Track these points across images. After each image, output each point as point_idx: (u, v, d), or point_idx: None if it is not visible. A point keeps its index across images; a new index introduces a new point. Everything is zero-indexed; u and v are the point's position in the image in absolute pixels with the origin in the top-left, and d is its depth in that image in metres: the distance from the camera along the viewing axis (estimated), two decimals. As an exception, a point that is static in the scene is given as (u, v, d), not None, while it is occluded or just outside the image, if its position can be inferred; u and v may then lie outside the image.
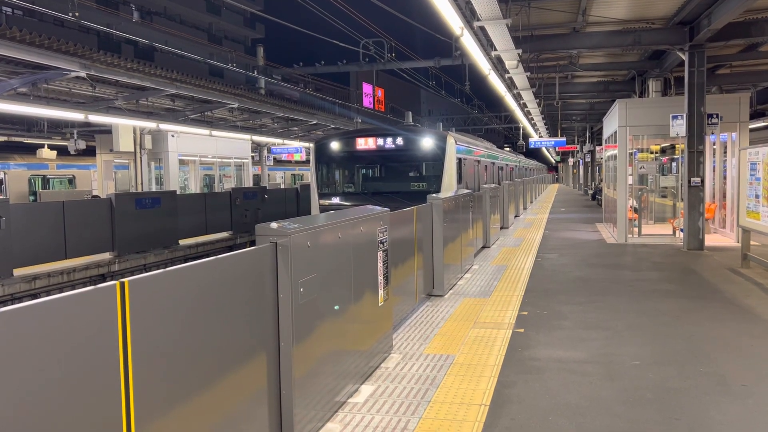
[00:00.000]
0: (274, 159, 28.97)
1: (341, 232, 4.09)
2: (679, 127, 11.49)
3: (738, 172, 9.97)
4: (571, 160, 53.95)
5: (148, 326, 2.40)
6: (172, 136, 19.32)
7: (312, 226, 3.68)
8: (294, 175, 36.33)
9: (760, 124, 23.09)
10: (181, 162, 20.67)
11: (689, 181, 11.41)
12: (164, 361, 2.49)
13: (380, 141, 13.00)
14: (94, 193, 21.99)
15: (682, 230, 11.86)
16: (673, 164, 16.95)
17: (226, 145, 22.56)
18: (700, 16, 10.69)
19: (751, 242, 9.57)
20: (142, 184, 18.74)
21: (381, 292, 4.92)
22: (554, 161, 78.73)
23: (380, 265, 4.91)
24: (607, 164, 16.94)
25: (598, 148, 31.29)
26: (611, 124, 14.68)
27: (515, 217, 19.43)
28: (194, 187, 21.80)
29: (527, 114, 21.16)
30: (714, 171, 14.00)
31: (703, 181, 11.45)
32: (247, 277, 3.13)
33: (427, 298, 7.46)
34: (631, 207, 13.11)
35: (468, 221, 9.59)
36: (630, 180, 13.15)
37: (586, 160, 38.42)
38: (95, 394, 2.15)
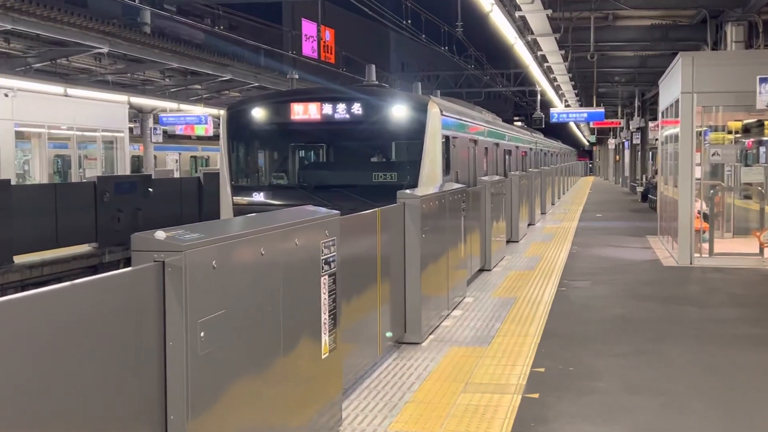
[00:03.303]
0: (165, 132, 28.67)
1: (265, 247, 4.07)
2: (770, 95, 11.78)
3: None
4: (611, 142, 54.89)
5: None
6: (6, 95, 18.93)
7: (220, 236, 3.65)
8: (195, 157, 36.06)
9: None
10: (19, 135, 20.25)
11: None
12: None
13: (328, 108, 12.97)
14: None
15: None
16: (762, 150, 17.40)
17: (89, 110, 22.20)
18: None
19: None
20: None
21: (325, 337, 4.91)
22: (588, 143, 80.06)
23: (324, 297, 4.90)
24: (665, 149, 17.27)
25: (651, 124, 31.90)
26: (671, 89, 14.98)
27: (529, 225, 19.64)
28: (39, 175, 21.42)
29: (548, 73, 21.44)
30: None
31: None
32: (116, 317, 3.08)
33: (396, 347, 7.46)
34: (698, 213, 13.37)
35: (458, 231, 9.64)
36: (698, 173, 13.41)
37: (634, 141, 39.14)
38: None
